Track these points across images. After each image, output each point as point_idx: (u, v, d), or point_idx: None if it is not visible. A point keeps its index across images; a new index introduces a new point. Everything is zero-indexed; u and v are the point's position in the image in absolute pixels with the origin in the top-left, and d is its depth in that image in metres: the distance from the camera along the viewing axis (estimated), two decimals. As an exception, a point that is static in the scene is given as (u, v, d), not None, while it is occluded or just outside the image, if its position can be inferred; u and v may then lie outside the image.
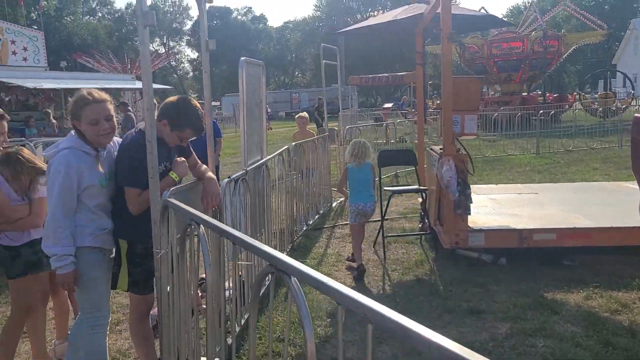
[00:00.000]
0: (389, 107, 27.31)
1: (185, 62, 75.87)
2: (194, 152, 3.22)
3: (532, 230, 5.16)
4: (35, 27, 28.52)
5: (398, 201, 8.31)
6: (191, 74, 74.66)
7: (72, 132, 2.86)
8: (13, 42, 21.88)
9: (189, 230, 2.33)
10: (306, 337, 1.33)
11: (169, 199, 2.48)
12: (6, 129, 3.29)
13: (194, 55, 74.46)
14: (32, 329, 3.44)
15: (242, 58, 4.00)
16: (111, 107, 2.86)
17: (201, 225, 2.11)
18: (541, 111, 17.01)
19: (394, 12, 7.82)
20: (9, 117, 3.33)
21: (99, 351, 2.98)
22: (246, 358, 3.48)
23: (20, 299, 3.27)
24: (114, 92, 25.73)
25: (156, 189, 2.55)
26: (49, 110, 17.19)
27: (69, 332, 3.31)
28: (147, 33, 2.44)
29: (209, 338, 2.93)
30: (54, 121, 16.44)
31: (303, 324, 1.34)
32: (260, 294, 4.25)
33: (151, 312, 3.24)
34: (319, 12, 70.50)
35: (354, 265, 5.31)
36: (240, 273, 3.93)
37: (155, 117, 2.78)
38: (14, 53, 21.98)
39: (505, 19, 31.73)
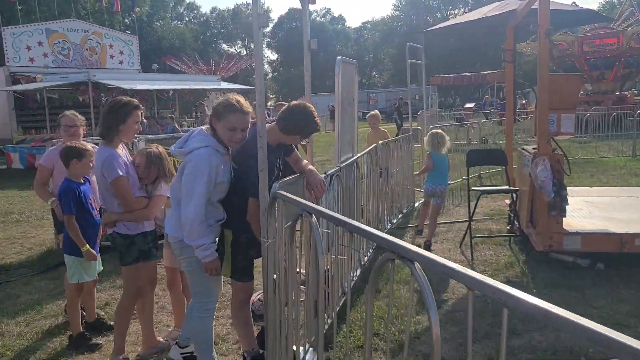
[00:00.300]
0: (470, 107, 26.62)
1: (265, 63, 77.70)
2: (295, 149, 3.37)
3: (633, 235, 4.90)
4: (129, 32, 30.34)
5: (483, 202, 8.12)
6: (270, 75, 76.34)
7: (203, 128, 3.05)
8: (111, 46, 23.42)
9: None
10: (431, 323, 1.38)
11: (278, 191, 2.61)
12: (140, 118, 3.49)
13: (273, 56, 76.19)
14: (140, 312, 3.71)
15: (338, 57, 4.10)
16: (250, 119, 3.00)
17: (313, 215, 2.21)
18: (638, 111, 15.96)
19: (483, 10, 7.65)
20: (143, 107, 3.58)
21: (206, 333, 3.20)
22: (338, 349, 3.57)
23: (131, 284, 3.53)
24: (200, 93, 26.86)
25: (265, 182, 2.69)
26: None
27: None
28: (260, 34, 2.58)
29: (305, 327, 3.06)
30: (145, 121, 17.40)
31: (429, 311, 1.40)
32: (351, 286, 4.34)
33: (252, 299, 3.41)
34: (397, 12, 69.87)
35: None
36: (327, 266, 4.03)
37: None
38: (112, 56, 23.52)
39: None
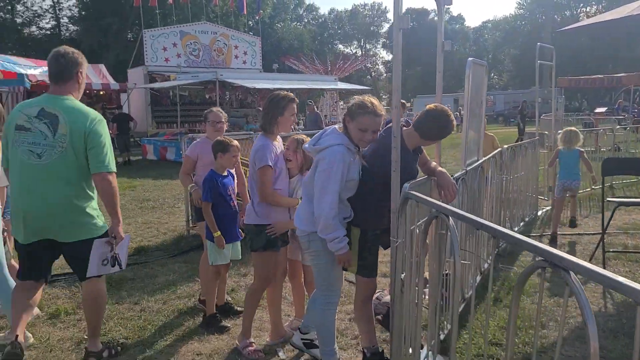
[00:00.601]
0: (601, 112, 24.65)
1: (380, 64, 77.69)
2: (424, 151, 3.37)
3: None
4: (252, 33, 31.85)
5: (616, 214, 7.51)
6: (384, 75, 76.19)
7: (336, 126, 3.18)
8: (236, 47, 24.74)
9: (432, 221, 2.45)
10: (589, 335, 1.33)
11: (411, 192, 2.62)
12: (295, 111, 3.66)
13: (388, 57, 75.89)
14: (270, 302, 3.91)
15: (470, 59, 4.02)
16: (382, 121, 3.06)
17: (450, 217, 2.20)
18: None
19: (626, 8, 7.08)
20: (297, 100, 3.75)
21: (329, 326, 3.32)
22: (458, 355, 3.52)
23: (260, 269, 3.71)
24: (318, 92, 27.47)
25: (397, 182, 2.72)
26: (261, 109, 19.08)
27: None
28: (400, 36, 2.61)
29: (428, 329, 3.04)
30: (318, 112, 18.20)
31: (586, 321, 1.35)
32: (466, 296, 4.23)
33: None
34: (522, 10, 66.48)
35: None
36: (446, 270, 3.97)
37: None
38: (236, 57, 24.85)
39: None
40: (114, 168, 3.37)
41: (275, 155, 3.58)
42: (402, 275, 2.77)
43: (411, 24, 65.42)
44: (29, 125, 3.24)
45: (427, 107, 3.13)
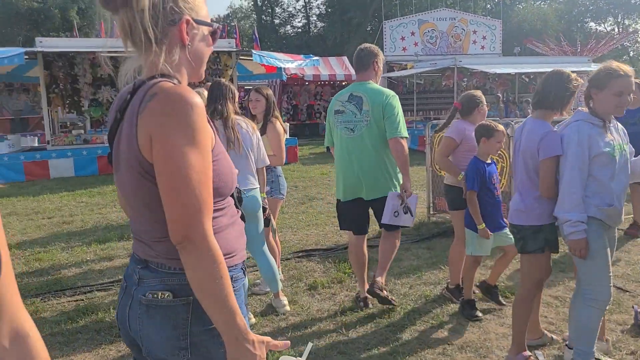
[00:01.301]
0: None
1: None
2: None
3: None
4: (491, 17, 30.33)
5: None
6: None
7: (579, 109, 3.04)
8: (474, 31, 23.90)
9: None
10: None
11: None
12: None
13: None
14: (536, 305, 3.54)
15: None
16: (633, 82, 2.93)
17: None
18: None
19: None
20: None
21: (588, 326, 2.98)
22: None
23: (532, 273, 3.27)
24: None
25: None
26: (499, 95, 18.09)
27: None
28: None
29: None
30: (501, 105, 17.20)
31: None
32: None
33: None
34: None
35: None
36: None
37: None
38: (474, 42, 24.01)
39: None
40: (405, 134, 3.99)
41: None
42: None
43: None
44: (343, 108, 4.14)
45: None
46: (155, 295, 1.43)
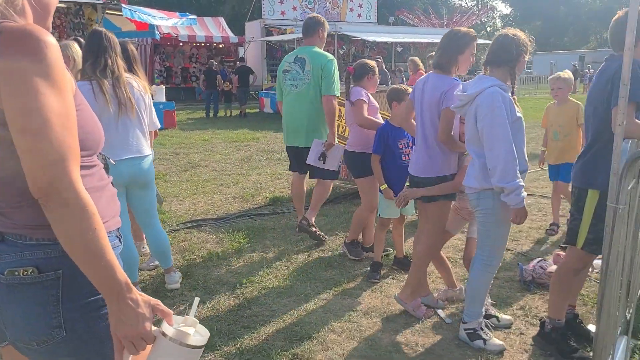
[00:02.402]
0: None
1: (497, 18, 72.94)
2: None
3: None
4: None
5: None
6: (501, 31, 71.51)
7: (482, 73, 3.05)
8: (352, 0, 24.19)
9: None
10: None
11: (642, 151, 2.23)
12: (474, 51, 3.41)
13: (506, 10, 71.09)
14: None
15: None
16: None
17: None
18: None
19: None
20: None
21: (482, 288, 3.13)
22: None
23: (441, 221, 3.48)
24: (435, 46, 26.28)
25: (620, 137, 2.33)
26: (379, 59, 18.60)
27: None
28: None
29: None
30: (386, 70, 17.71)
31: None
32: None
33: None
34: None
35: None
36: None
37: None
38: (351, 10, 24.32)
39: None
40: (337, 93, 4.69)
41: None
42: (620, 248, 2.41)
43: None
44: (289, 68, 4.87)
45: None
46: (17, 273, 1.26)
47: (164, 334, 1.25)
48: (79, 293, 1.28)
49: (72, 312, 1.28)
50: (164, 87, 14.79)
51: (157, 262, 4.26)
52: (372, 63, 4.52)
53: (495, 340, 3.10)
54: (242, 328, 3.39)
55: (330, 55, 4.76)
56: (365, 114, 4.25)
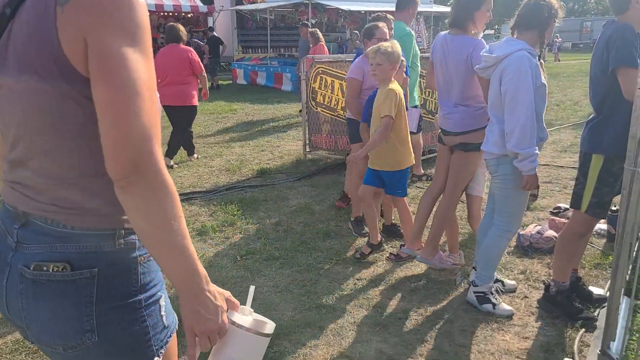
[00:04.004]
0: None
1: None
2: None
3: None
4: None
5: None
6: None
7: (507, 37, 3.00)
8: (323, -33, 23.69)
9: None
10: None
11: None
12: (492, 5, 3.34)
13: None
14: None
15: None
16: None
17: None
18: None
19: None
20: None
21: (497, 252, 3.15)
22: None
23: (469, 172, 3.49)
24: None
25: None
26: (357, 32, 18.41)
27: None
28: None
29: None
30: (357, 42, 17.55)
31: None
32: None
33: None
34: None
35: None
36: None
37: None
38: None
39: None
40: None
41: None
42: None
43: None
44: None
45: None
46: (46, 268, 1.08)
47: (238, 325, 1.20)
48: (115, 294, 1.12)
49: (106, 315, 1.12)
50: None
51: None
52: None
53: (504, 305, 3.15)
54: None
55: (407, 31, 5.10)
56: (355, 95, 4.29)
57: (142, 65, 1.01)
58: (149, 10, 13.90)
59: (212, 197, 5.43)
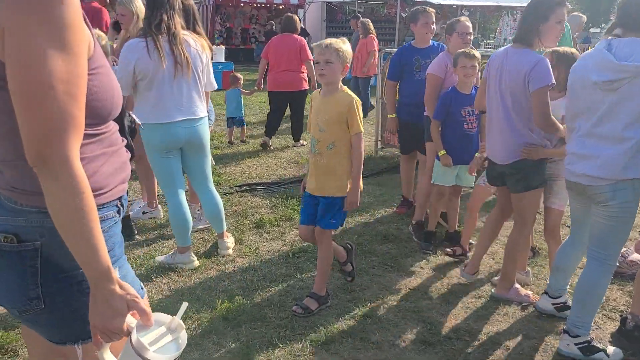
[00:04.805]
0: None
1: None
2: None
3: None
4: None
5: None
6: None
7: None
8: (418, -40, 23.08)
9: None
10: None
11: None
12: (564, 17, 2.93)
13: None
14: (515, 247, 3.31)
15: None
16: None
17: None
18: None
19: None
20: (567, 5, 2.95)
21: (601, 294, 2.72)
22: None
23: (533, 209, 3.16)
24: (506, 11, 25.05)
25: None
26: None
27: None
28: None
29: None
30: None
31: None
32: None
33: None
34: None
35: None
36: None
37: None
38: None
39: None
40: None
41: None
42: None
43: None
44: None
45: None
46: None
47: (129, 338, 1.18)
48: (60, 266, 1.23)
49: (52, 285, 1.24)
50: (224, 47, 14.68)
51: (201, 226, 4.26)
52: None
53: (611, 347, 2.74)
54: (293, 300, 3.25)
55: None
56: (433, 93, 4.06)
57: (58, 59, 1.04)
58: (243, 2, 14.18)
59: (276, 190, 5.37)
